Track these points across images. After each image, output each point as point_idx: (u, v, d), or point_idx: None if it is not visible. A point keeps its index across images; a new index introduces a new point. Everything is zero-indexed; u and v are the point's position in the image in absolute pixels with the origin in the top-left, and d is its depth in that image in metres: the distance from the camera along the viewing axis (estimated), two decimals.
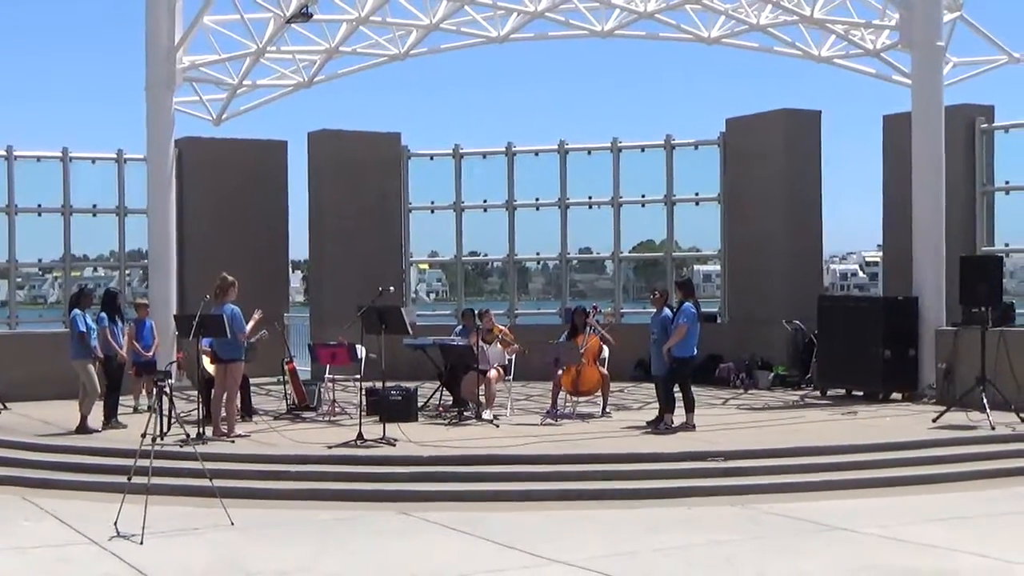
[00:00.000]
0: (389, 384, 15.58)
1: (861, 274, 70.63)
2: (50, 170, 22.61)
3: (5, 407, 17.96)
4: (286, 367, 17.78)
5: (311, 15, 19.45)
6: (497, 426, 15.76)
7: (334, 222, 23.57)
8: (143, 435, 11.14)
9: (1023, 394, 15.91)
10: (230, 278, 15.46)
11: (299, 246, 26.21)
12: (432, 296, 37.60)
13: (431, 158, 24.58)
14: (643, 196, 23.63)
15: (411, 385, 17.01)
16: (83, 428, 15.58)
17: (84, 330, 15.65)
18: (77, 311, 15.76)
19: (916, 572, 9.23)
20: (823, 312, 19.71)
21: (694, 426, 15.36)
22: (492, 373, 16.57)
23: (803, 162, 22.30)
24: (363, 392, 15.61)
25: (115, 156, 23.03)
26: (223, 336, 15.01)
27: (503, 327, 17.78)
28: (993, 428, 15.21)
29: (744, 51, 22.68)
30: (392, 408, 15.46)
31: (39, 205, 22.58)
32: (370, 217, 23.53)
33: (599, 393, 17.13)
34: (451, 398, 17.43)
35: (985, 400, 15.65)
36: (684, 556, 9.92)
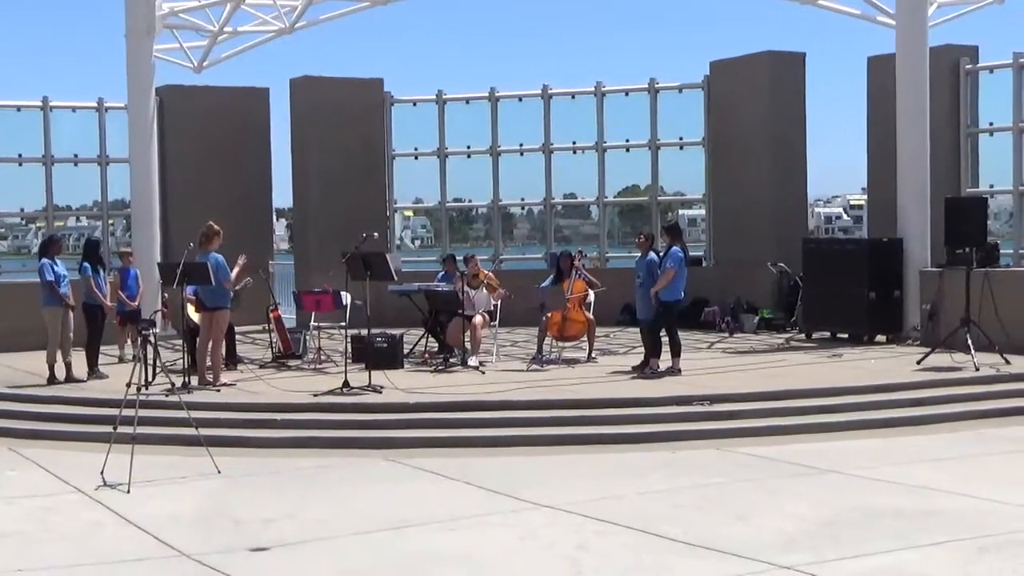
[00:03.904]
0: (374, 331, 15.54)
1: (846, 217, 70.48)
2: (30, 119, 22.44)
3: None
4: (271, 315, 17.75)
5: None
6: (483, 372, 15.76)
7: (318, 169, 23.46)
8: (128, 384, 11.12)
9: (1008, 335, 15.94)
10: (215, 227, 15.37)
11: (283, 193, 26.17)
12: (417, 243, 37.58)
13: (414, 104, 24.40)
14: (627, 141, 23.56)
15: (397, 332, 16.97)
16: (68, 377, 15.50)
17: (52, 279, 15.51)
18: (45, 260, 15.63)
19: (901, 512, 9.27)
20: (808, 255, 19.72)
21: (680, 370, 15.38)
22: (477, 319, 16.53)
23: (787, 105, 22.21)
24: (348, 339, 15.59)
25: (96, 105, 22.86)
26: (208, 284, 14.94)
27: (488, 272, 17.74)
28: (977, 369, 15.27)
29: None
30: (378, 355, 15.44)
31: (20, 155, 22.44)
32: (354, 164, 23.40)
33: (585, 338, 17.13)
34: (437, 344, 17.42)
35: (969, 341, 15.69)
36: (670, 499, 9.95)
